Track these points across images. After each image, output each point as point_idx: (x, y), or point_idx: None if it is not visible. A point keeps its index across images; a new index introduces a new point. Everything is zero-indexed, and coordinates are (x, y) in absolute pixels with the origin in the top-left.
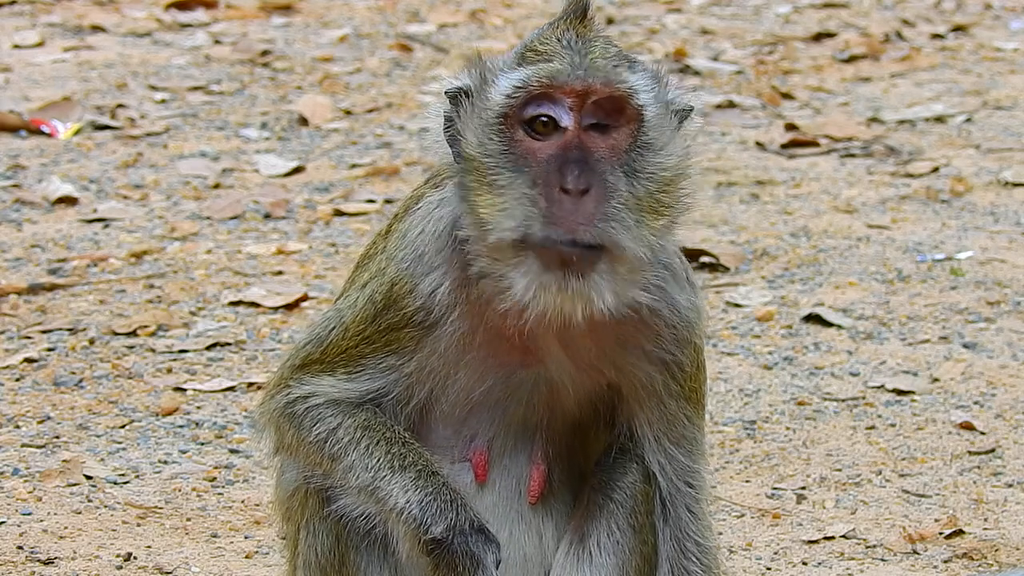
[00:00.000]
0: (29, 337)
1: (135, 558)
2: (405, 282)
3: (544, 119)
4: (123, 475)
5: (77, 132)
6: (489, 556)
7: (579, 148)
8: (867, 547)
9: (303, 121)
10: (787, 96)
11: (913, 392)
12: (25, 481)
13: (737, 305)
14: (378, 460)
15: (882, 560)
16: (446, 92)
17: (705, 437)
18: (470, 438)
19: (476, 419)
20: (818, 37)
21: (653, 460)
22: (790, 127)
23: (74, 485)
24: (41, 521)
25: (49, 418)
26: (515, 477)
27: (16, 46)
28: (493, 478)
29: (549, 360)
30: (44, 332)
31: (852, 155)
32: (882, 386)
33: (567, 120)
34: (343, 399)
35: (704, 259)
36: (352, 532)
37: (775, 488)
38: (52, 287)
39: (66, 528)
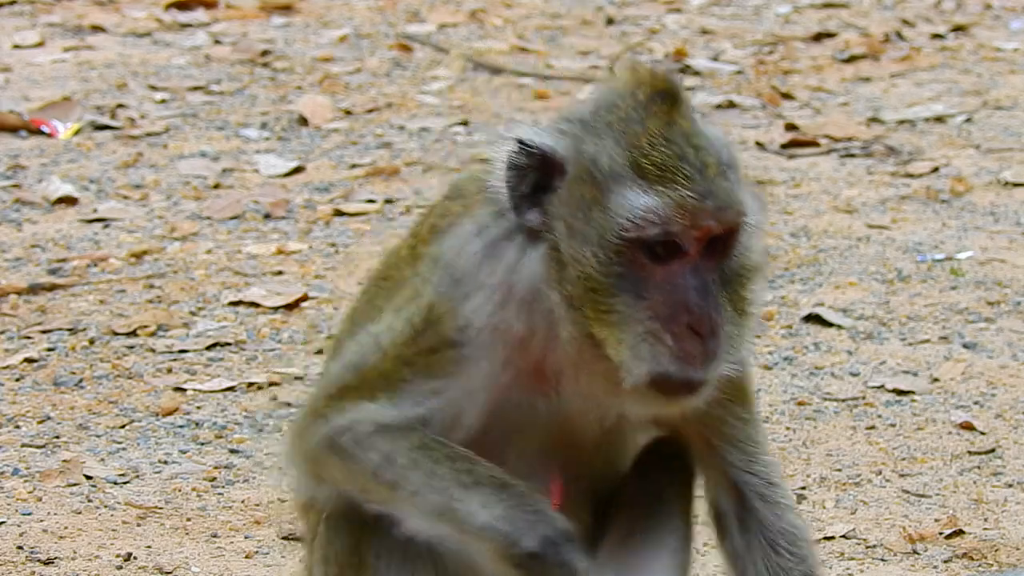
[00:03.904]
0: (29, 337)
1: (135, 558)
2: (444, 305)
3: (668, 244)
4: (123, 475)
5: (77, 132)
6: (582, 565)
7: (700, 276)
8: (867, 547)
9: (303, 121)
10: (787, 96)
11: (913, 392)
12: (25, 481)
13: None
14: (446, 480)
15: (882, 560)
16: (527, 146)
17: (762, 429)
18: (492, 457)
19: (498, 440)
20: (818, 37)
21: (708, 462)
22: (790, 127)
23: (74, 485)
24: (41, 521)
25: (49, 418)
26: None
27: (16, 46)
28: None
29: (575, 388)
30: (44, 332)
31: (852, 155)
32: (882, 386)
33: (691, 247)
34: (390, 424)
35: None
36: (371, 530)
37: None
38: (52, 287)
39: (66, 528)
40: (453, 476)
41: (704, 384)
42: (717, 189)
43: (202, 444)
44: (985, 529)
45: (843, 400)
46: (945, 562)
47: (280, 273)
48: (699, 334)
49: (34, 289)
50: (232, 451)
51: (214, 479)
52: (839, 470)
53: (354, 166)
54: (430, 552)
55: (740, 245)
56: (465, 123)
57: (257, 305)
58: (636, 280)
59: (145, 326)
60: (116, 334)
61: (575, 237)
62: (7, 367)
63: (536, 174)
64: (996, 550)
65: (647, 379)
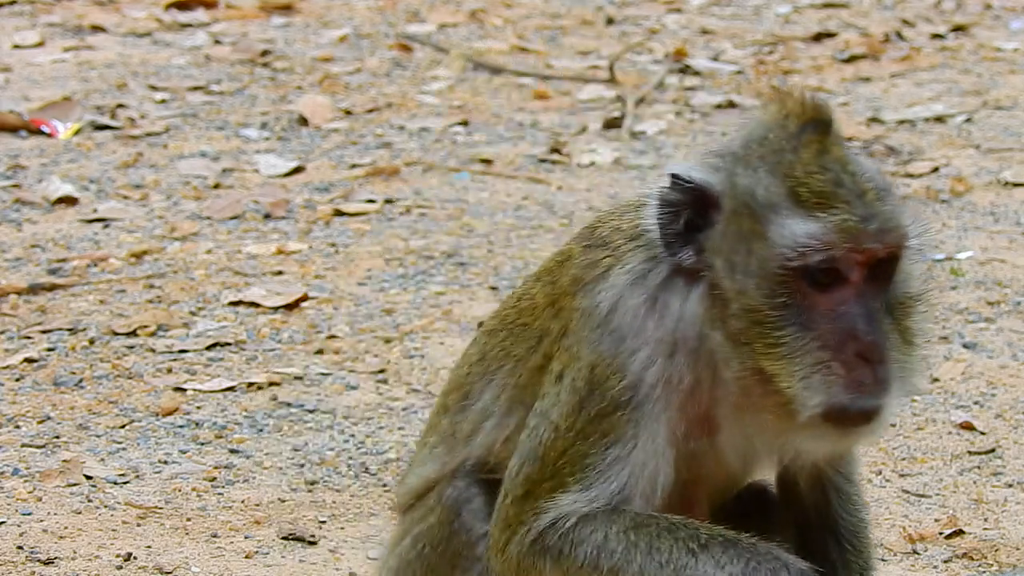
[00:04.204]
0: (29, 337)
1: (135, 558)
2: (607, 363)
3: (831, 271)
4: (123, 475)
5: (77, 132)
6: None
7: (864, 303)
8: None
9: (303, 121)
10: None
11: None
12: (25, 481)
13: None
14: (670, 552)
15: (882, 560)
16: (682, 182)
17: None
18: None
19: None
20: (818, 37)
21: (810, 465)
22: None
23: (74, 485)
24: (41, 521)
25: (49, 418)
26: None
27: (16, 46)
28: None
29: (738, 431)
30: (44, 332)
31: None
32: None
33: (855, 275)
34: (592, 511)
35: None
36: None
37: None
38: (52, 287)
39: (66, 528)
40: (677, 545)
41: (878, 412)
42: (877, 212)
43: (202, 444)
44: (985, 529)
45: None
46: (945, 562)
47: (280, 273)
48: (868, 361)
49: (34, 289)
50: (232, 451)
51: (214, 479)
52: None
53: (354, 166)
54: None
55: (903, 272)
56: (465, 123)
57: (257, 305)
58: (801, 311)
59: (145, 326)
60: (116, 334)
61: (736, 271)
62: (7, 367)
63: (690, 211)
64: (996, 550)
65: (821, 411)
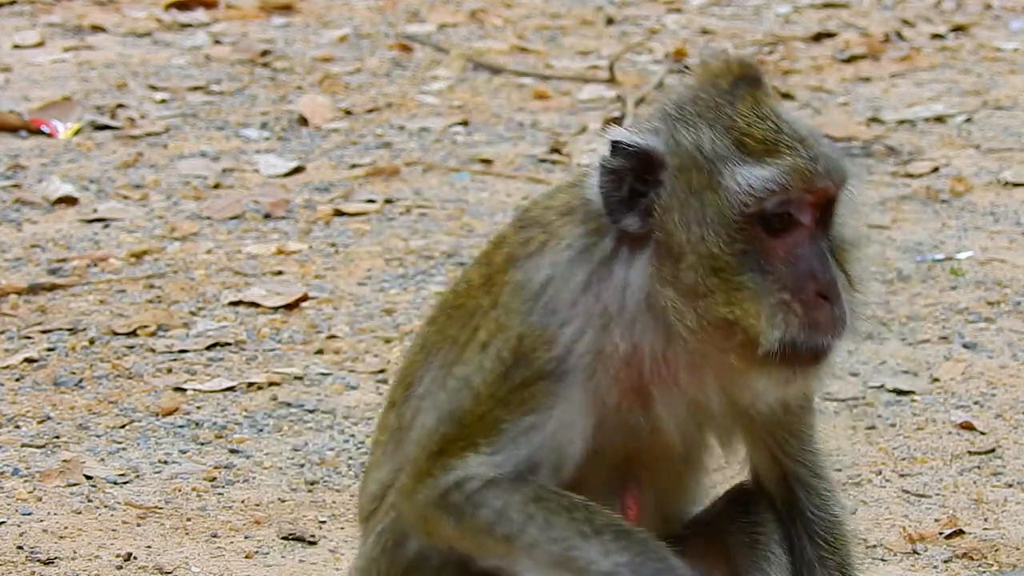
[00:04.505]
0: (29, 337)
1: (135, 558)
2: (537, 334)
3: (784, 216)
4: (123, 475)
5: (77, 132)
6: None
7: (818, 245)
8: (867, 547)
9: (303, 121)
10: (787, 96)
11: (913, 392)
12: (25, 481)
13: None
14: (563, 530)
15: (882, 560)
16: (624, 147)
17: (816, 417)
18: (567, 481)
19: (585, 461)
20: (818, 37)
21: (766, 454)
22: None
23: (74, 485)
24: (41, 521)
25: (49, 418)
26: (608, 506)
27: (16, 46)
28: None
29: (659, 409)
30: (44, 332)
31: (852, 155)
32: (882, 386)
33: (806, 217)
34: (498, 477)
35: None
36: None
37: None
38: (52, 287)
39: (66, 528)
40: (571, 525)
41: (831, 352)
42: (822, 154)
43: (202, 444)
44: (985, 529)
45: (843, 400)
46: (945, 562)
47: (280, 273)
48: (827, 298)
49: (34, 289)
50: (232, 451)
51: (214, 479)
52: (839, 470)
53: (354, 166)
54: None
55: (842, 215)
56: (465, 123)
57: (257, 305)
58: (758, 256)
59: (145, 326)
60: (116, 334)
61: (692, 224)
62: (7, 367)
63: (632, 176)
64: (996, 550)
65: (780, 347)
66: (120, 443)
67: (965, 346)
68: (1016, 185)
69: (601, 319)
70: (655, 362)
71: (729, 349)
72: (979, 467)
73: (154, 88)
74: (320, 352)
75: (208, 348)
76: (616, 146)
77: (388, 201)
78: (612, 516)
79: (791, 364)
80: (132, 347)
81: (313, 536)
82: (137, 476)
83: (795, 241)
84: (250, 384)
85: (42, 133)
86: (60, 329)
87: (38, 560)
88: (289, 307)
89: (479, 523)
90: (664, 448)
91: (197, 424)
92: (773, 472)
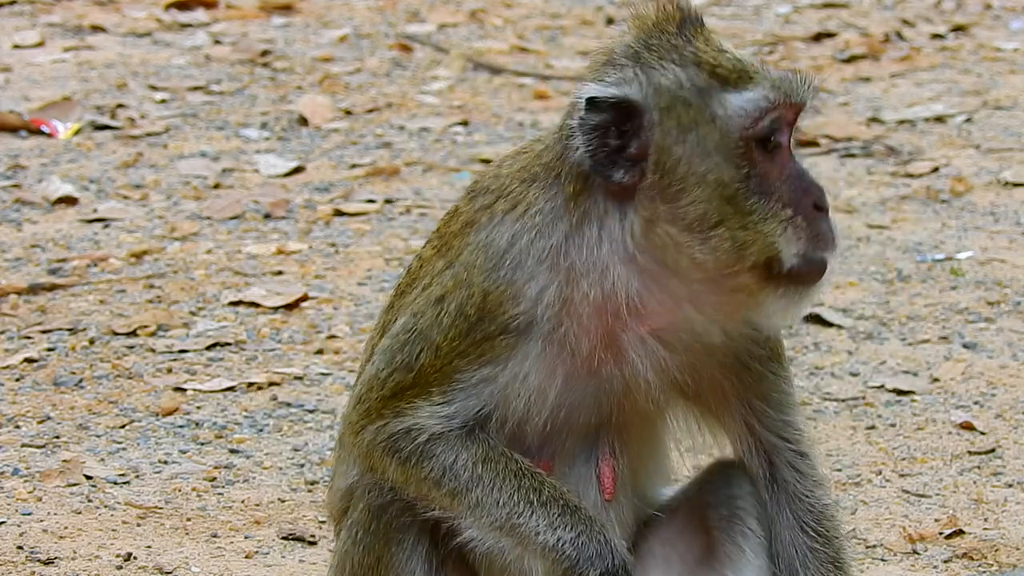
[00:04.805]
0: (29, 337)
1: (135, 558)
2: (503, 290)
3: (773, 135)
4: (123, 475)
5: (77, 132)
6: None
7: (796, 161)
8: (867, 547)
9: (303, 121)
10: None
11: (913, 392)
12: (25, 481)
13: None
14: (511, 496)
15: (882, 560)
16: (603, 100)
17: (794, 387)
18: (541, 443)
19: (549, 423)
20: (818, 37)
21: (742, 423)
22: None
23: (74, 485)
24: (41, 521)
25: (49, 418)
26: (585, 474)
27: (16, 46)
28: (562, 477)
29: (631, 358)
30: (44, 332)
31: (852, 155)
32: (882, 386)
33: (785, 138)
34: (448, 431)
35: None
36: (392, 552)
37: None
38: (52, 287)
39: (66, 528)
40: (519, 493)
41: (830, 266)
42: (787, 72)
43: (202, 444)
44: (985, 529)
45: (843, 400)
46: (945, 562)
47: (280, 273)
48: (822, 209)
49: (34, 289)
50: (232, 451)
51: (214, 479)
52: (839, 470)
53: (354, 166)
54: None
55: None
56: (465, 123)
57: (257, 305)
58: (760, 179)
59: (145, 326)
60: (116, 334)
61: (694, 158)
62: (7, 367)
63: (614, 128)
64: (996, 550)
65: (798, 261)
66: (120, 443)
67: (965, 346)
68: (1016, 185)
69: (569, 273)
70: (631, 306)
71: (740, 273)
72: (979, 467)
73: (154, 88)
74: (320, 352)
75: (208, 348)
76: (592, 102)
77: (388, 201)
78: (561, 489)
79: (800, 281)
80: (132, 347)
81: (313, 536)
82: (137, 476)
83: (782, 159)
84: (250, 384)
85: (42, 133)
86: (60, 329)
87: (38, 560)
88: (289, 307)
89: (425, 473)
90: (637, 410)
91: (197, 424)
92: (751, 443)
